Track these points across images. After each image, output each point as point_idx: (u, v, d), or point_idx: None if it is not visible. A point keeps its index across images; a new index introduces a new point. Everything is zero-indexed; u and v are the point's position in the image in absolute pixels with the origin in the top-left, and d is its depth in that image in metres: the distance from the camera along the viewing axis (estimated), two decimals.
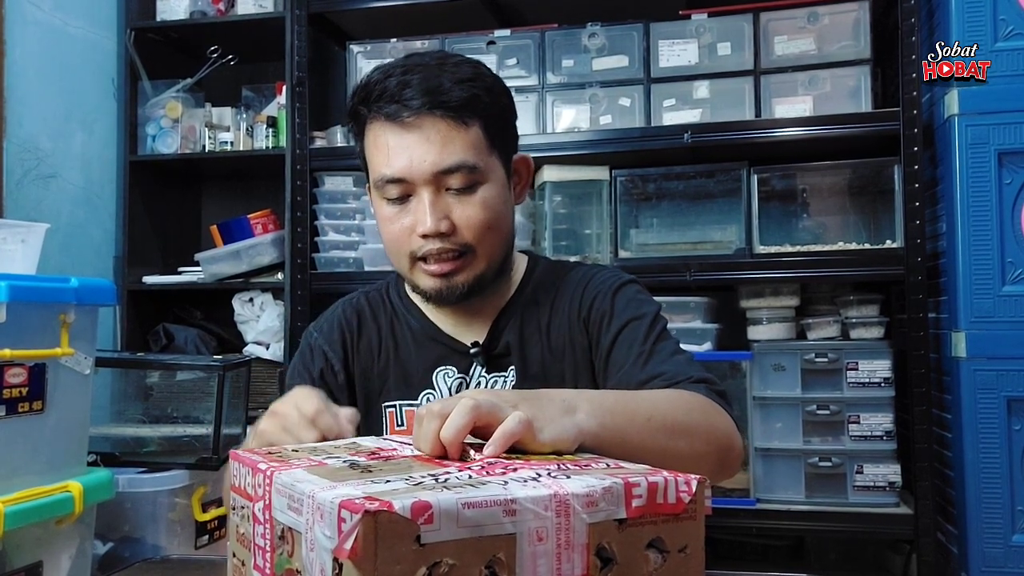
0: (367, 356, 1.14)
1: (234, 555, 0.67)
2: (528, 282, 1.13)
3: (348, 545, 0.47)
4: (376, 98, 1.00)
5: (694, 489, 0.58)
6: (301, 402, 0.82)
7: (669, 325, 1.09)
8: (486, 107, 1.01)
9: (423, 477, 0.57)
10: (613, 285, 1.09)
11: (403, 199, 1.01)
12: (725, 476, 0.91)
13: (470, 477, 0.57)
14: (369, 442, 0.74)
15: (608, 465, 0.63)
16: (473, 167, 0.99)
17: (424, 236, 1.00)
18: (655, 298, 1.11)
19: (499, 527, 0.51)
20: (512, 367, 1.08)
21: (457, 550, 0.50)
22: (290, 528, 0.56)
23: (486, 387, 1.08)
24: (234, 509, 0.67)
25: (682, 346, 1.05)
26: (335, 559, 0.49)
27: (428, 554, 0.49)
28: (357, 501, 0.48)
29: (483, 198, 1.01)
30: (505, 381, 1.08)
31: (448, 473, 0.58)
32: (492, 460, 0.62)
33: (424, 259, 1.02)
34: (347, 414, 0.83)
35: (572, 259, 2.01)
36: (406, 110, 0.98)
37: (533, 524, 0.52)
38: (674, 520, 0.58)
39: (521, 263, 1.16)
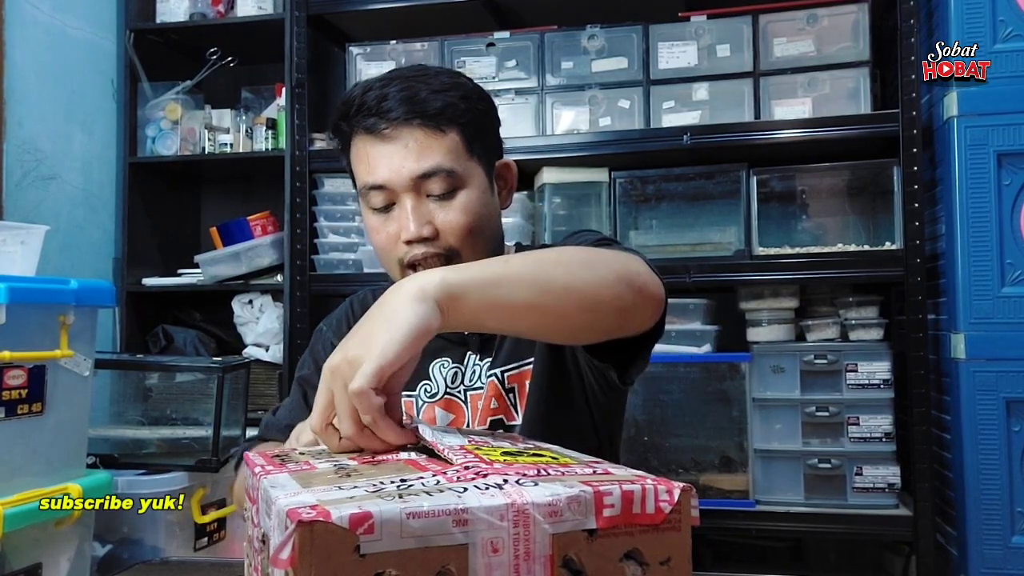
0: None
1: (247, 557, 0.67)
2: None
3: (284, 555, 0.47)
4: (355, 113, 1.03)
5: (676, 498, 0.56)
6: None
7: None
8: (463, 114, 1.03)
9: (390, 483, 0.56)
10: (583, 235, 1.11)
11: (387, 208, 1.04)
12: (639, 299, 0.86)
13: (438, 483, 0.56)
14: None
15: (595, 471, 0.61)
16: (451, 171, 1.02)
17: (409, 242, 1.02)
18: None
19: (448, 537, 0.50)
20: (498, 345, 1.12)
21: (401, 560, 0.49)
22: (266, 533, 0.55)
23: (480, 373, 1.11)
24: (245, 511, 0.68)
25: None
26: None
27: (370, 564, 0.48)
28: (300, 510, 0.48)
29: (464, 202, 1.03)
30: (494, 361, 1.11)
31: (420, 479, 0.57)
32: (471, 464, 0.61)
33: (412, 265, 1.04)
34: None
35: None
36: (383, 122, 1.01)
37: (487, 534, 0.51)
38: (654, 531, 0.55)
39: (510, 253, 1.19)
